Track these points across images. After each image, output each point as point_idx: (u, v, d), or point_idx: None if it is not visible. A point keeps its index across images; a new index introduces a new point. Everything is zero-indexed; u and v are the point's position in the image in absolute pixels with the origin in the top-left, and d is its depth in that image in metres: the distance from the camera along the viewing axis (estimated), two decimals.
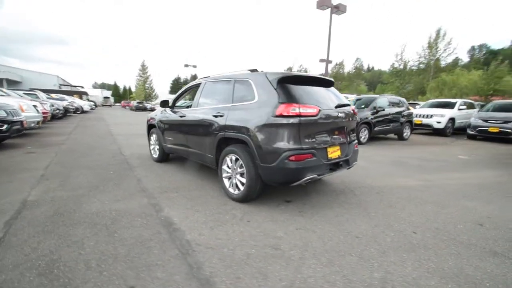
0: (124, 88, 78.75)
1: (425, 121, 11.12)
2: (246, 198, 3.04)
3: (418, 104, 16.57)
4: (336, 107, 3.11)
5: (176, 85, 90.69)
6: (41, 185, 3.66)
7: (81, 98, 31.08)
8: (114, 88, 78.82)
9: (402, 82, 37.78)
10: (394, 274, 1.85)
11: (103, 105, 48.45)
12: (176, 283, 1.71)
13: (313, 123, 2.78)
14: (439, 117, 10.84)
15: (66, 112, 16.06)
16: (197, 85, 4.21)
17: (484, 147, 8.29)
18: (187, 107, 4.92)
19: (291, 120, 2.67)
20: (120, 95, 75.59)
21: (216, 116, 3.36)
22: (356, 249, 2.17)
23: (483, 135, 9.50)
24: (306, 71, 64.11)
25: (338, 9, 13.62)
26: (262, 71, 3.22)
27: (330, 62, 27.63)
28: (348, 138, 3.33)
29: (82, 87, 48.84)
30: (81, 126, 12.00)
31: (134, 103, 35.85)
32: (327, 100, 3.12)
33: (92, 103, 29.59)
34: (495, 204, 3.31)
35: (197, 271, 1.84)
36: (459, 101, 11.68)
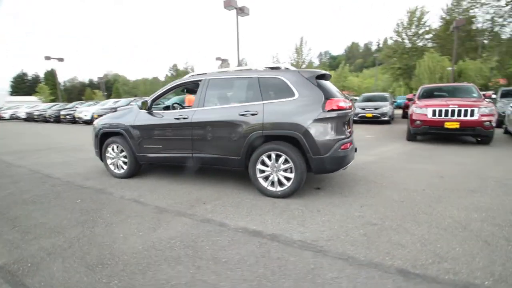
0: None
1: None
2: (293, 193, 3.11)
3: None
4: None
5: (20, 83, 68.60)
6: None
7: None
8: None
9: None
10: (487, 209, 2.56)
11: None
12: (357, 276, 1.74)
13: (348, 115, 3.18)
14: None
15: None
16: (193, 83, 3.74)
17: (369, 128, 11.23)
18: (166, 108, 4.25)
19: (340, 113, 2.98)
20: None
21: (244, 115, 3.19)
22: (427, 209, 2.78)
23: (362, 119, 12.76)
24: (192, 69, 63.45)
25: (243, 11, 14.43)
26: (288, 69, 3.32)
27: (227, 60, 28.66)
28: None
29: None
30: None
31: None
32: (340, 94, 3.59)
33: None
34: (431, 163, 4.82)
35: (353, 260, 1.90)
36: None
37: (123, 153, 4.10)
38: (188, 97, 10.53)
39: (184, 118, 3.52)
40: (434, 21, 31.66)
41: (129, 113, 4.05)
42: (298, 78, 3.11)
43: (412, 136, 7.22)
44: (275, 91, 3.17)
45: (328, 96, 2.99)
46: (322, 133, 2.93)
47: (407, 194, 3.24)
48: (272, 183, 3.19)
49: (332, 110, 2.93)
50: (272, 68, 3.42)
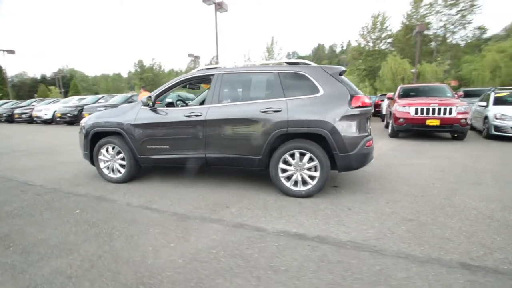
0: None
1: None
2: (317, 191, 3.05)
3: None
4: None
5: None
6: None
7: None
8: None
9: None
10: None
11: None
12: (427, 274, 1.71)
13: (370, 112, 3.20)
14: None
15: None
16: (202, 78, 3.48)
17: None
18: (169, 104, 3.90)
19: (364, 110, 2.97)
20: None
21: (266, 112, 3.03)
22: (448, 202, 2.88)
23: None
24: (159, 66, 60.65)
25: (221, 7, 14.08)
26: (309, 64, 3.22)
27: (199, 58, 27.79)
28: None
29: None
30: None
31: None
32: None
33: None
34: (424, 158, 5.09)
35: (413, 258, 1.88)
36: None
37: (120, 155, 3.68)
38: (143, 94, 9.75)
39: (197, 116, 3.25)
40: (395, 26, 33.91)
41: (128, 110, 3.64)
42: (321, 74, 3.04)
43: (395, 133, 7.62)
44: (298, 87, 3.07)
45: (352, 92, 2.97)
46: (349, 130, 2.90)
47: (421, 188, 3.35)
48: (295, 183, 3.09)
49: (359, 107, 2.92)
50: (290, 64, 3.31)
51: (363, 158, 3.01)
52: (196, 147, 3.34)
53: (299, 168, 3.04)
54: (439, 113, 6.72)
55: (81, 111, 12.63)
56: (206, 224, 2.50)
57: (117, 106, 11.48)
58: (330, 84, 2.99)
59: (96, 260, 1.96)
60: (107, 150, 3.75)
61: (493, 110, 7.09)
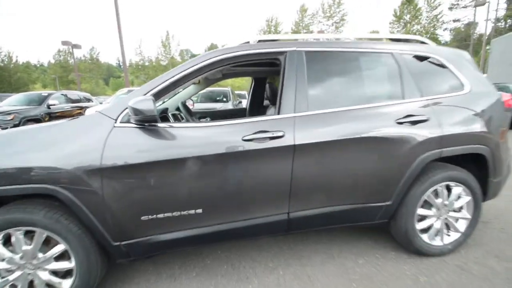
0: None
1: None
2: (459, 246, 1.98)
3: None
4: None
5: None
6: None
7: None
8: None
9: (147, 77, 38.94)
10: None
11: None
12: None
13: None
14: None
15: None
16: (253, 58, 1.71)
17: None
18: (163, 118, 1.86)
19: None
20: None
21: (405, 123, 1.68)
22: None
23: None
24: (9, 57, 43.94)
25: None
26: (427, 43, 2.04)
27: (79, 46, 21.61)
28: None
29: None
30: None
31: None
32: None
33: None
34: None
35: None
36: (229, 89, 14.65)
37: (54, 250, 1.43)
38: None
39: (274, 138, 1.52)
40: (288, 31, 37.25)
41: (75, 133, 1.42)
42: (459, 59, 1.96)
43: None
44: (433, 79, 1.87)
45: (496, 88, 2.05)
46: (504, 143, 1.96)
47: None
48: (440, 233, 1.91)
49: (510, 108, 2.02)
50: (405, 41, 2.02)
51: (506, 179, 2.16)
52: (270, 202, 1.59)
53: (444, 210, 1.88)
54: None
55: None
56: None
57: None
58: (473, 76, 1.95)
59: None
60: (5, 243, 1.39)
61: None
